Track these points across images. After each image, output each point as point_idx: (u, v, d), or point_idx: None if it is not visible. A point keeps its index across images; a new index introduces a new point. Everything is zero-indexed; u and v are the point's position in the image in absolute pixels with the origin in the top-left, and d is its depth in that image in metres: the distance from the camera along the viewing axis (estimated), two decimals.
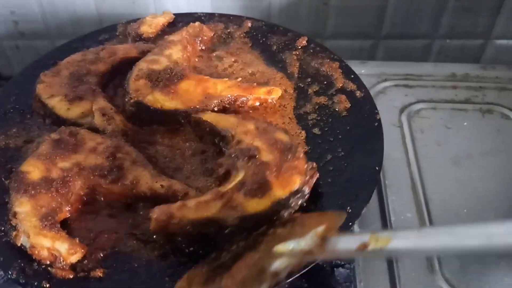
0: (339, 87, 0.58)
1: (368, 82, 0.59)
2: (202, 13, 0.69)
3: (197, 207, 0.43)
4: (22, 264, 0.42)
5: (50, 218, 0.44)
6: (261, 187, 0.43)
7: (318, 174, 0.46)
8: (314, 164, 0.47)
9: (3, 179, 0.49)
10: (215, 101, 0.54)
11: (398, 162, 0.61)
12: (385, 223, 0.55)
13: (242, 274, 0.37)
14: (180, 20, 0.68)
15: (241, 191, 0.44)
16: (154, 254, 0.44)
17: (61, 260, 0.42)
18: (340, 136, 0.53)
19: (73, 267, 0.42)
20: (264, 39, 0.65)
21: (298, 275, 0.39)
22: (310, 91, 0.59)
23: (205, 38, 0.65)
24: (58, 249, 0.42)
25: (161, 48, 0.61)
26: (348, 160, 0.50)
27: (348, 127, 0.53)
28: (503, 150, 0.63)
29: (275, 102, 0.57)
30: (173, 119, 0.54)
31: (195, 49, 0.63)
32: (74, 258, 0.42)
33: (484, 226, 0.33)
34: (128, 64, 0.59)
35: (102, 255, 0.44)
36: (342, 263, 0.52)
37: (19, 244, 0.43)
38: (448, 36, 0.81)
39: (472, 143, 0.64)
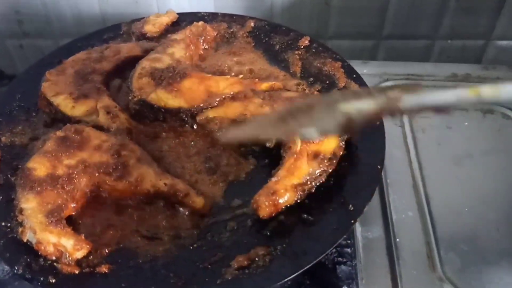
0: (342, 87, 0.58)
1: (370, 82, 0.59)
2: (206, 12, 0.70)
3: (289, 172, 0.46)
4: (28, 260, 0.43)
5: (56, 214, 0.44)
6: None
7: None
8: None
9: (9, 176, 0.50)
10: (218, 99, 0.55)
11: (399, 161, 0.61)
12: (387, 222, 0.56)
13: (317, 112, 0.39)
14: (183, 20, 0.69)
15: (308, 142, 0.47)
16: (159, 251, 0.44)
17: (67, 256, 0.42)
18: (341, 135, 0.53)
19: (78, 263, 0.43)
20: (266, 39, 0.66)
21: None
22: (312, 90, 0.59)
23: (208, 37, 0.65)
24: (64, 245, 0.42)
25: (164, 47, 0.61)
26: (350, 158, 0.50)
27: None
28: (503, 150, 0.63)
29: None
30: (176, 117, 0.55)
31: (198, 48, 0.64)
32: (79, 254, 0.43)
33: None
34: (132, 62, 0.60)
35: (107, 251, 0.44)
36: (344, 260, 0.52)
37: (25, 240, 0.43)
38: (449, 36, 0.82)
39: (473, 143, 0.64)
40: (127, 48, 0.62)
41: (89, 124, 0.53)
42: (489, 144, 0.64)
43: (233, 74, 0.60)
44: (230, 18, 0.69)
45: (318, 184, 0.47)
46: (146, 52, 0.62)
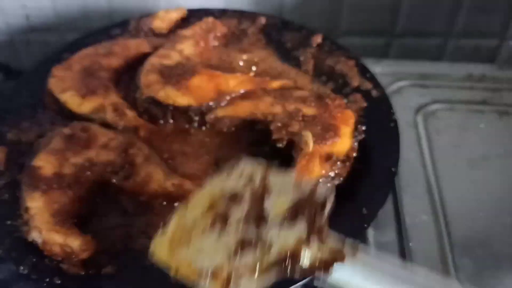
0: (355, 86, 0.57)
1: (383, 81, 0.58)
2: (216, 9, 0.69)
3: (301, 174, 0.45)
4: (34, 260, 0.42)
5: (62, 213, 0.43)
6: (331, 131, 0.47)
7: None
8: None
9: (15, 173, 0.49)
10: (228, 97, 0.54)
11: (413, 163, 0.60)
12: (400, 225, 0.54)
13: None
14: (193, 16, 0.67)
15: (321, 143, 0.47)
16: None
17: (73, 256, 0.42)
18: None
19: (84, 263, 0.42)
20: (278, 36, 0.65)
21: None
22: (325, 89, 0.58)
23: (218, 34, 0.64)
24: (70, 245, 0.42)
25: (173, 43, 0.60)
26: (363, 160, 0.49)
27: (363, 127, 0.52)
28: None
29: None
30: (185, 115, 0.54)
31: (207, 44, 0.63)
32: (86, 255, 0.42)
33: None
34: (140, 59, 0.59)
35: (113, 252, 0.43)
36: None
37: (30, 240, 0.43)
38: (463, 35, 0.80)
39: (489, 145, 0.62)
40: (136, 44, 0.61)
41: (96, 121, 0.52)
42: (505, 146, 0.62)
43: (243, 72, 0.59)
44: (240, 15, 0.68)
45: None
46: (155, 48, 0.60)
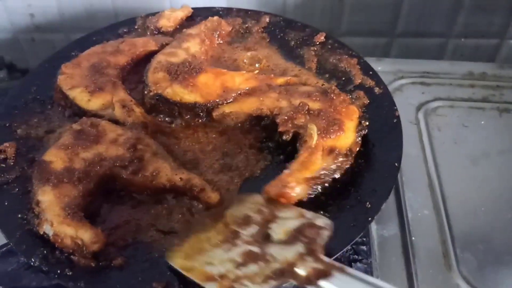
0: (358, 83, 0.58)
1: (384, 79, 0.59)
2: (221, 7, 0.70)
3: (303, 166, 0.46)
4: (45, 252, 0.43)
5: (73, 207, 0.44)
6: (335, 125, 0.48)
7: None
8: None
9: (25, 168, 0.50)
10: (234, 94, 0.55)
11: (415, 160, 0.61)
12: (402, 220, 0.55)
13: None
14: (198, 14, 0.68)
15: (325, 137, 0.48)
16: (174, 244, 0.44)
17: (84, 249, 0.42)
18: None
19: (95, 255, 0.43)
20: (282, 34, 0.65)
21: None
22: (329, 86, 0.58)
23: (223, 32, 0.65)
24: (81, 237, 0.42)
25: (179, 41, 0.61)
26: (367, 156, 0.50)
27: (367, 123, 0.53)
28: None
29: None
30: (192, 112, 0.55)
31: (212, 43, 0.64)
32: (96, 247, 0.43)
33: None
34: (147, 57, 0.60)
35: (123, 244, 0.44)
36: (360, 258, 0.52)
37: (41, 233, 0.43)
38: (463, 35, 0.81)
39: (489, 141, 0.63)
40: (143, 42, 0.62)
41: (104, 118, 0.53)
42: (506, 143, 0.63)
43: (248, 69, 0.60)
44: (245, 13, 0.69)
45: (332, 179, 0.47)
46: (162, 46, 0.61)
